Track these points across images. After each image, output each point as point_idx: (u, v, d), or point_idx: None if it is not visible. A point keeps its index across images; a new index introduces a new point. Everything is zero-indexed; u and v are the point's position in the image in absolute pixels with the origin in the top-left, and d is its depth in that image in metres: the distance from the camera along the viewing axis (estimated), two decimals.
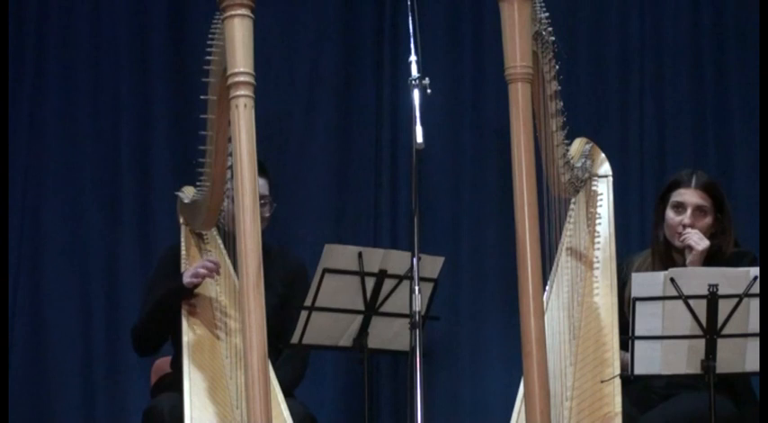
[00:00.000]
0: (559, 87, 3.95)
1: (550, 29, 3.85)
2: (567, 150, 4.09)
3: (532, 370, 3.52)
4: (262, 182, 4.34)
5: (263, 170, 4.39)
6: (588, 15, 5.33)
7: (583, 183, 4.24)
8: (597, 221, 4.24)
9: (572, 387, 3.98)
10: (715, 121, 5.27)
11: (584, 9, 5.34)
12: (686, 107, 5.29)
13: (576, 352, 4.03)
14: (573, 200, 4.26)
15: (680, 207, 4.27)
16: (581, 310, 4.10)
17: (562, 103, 3.98)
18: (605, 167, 4.32)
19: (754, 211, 5.01)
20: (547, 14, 3.82)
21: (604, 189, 4.30)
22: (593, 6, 5.35)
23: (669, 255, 4.31)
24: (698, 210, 4.26)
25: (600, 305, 4.08)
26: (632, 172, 5.22)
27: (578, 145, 4.29)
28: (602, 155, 4.34)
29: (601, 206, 4.27)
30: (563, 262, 4.19)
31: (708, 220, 4.27)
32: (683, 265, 4.23)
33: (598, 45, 5.33)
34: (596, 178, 4.30)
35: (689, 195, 4.27)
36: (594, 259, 4.17)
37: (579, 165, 4.21)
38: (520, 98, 3.60)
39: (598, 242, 4.20)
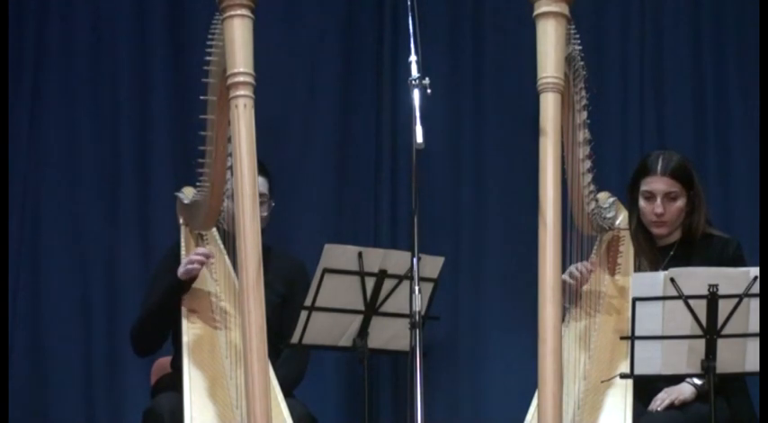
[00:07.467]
0: (588, 120, 3.91)
1: (582, 63, 3.81)
2: (592, 179, 4.07)
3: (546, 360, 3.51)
4: (261, 181, 4.33)
5: (262, 169, 4.39)
6: (588, 15, 5.33)
7: (606, 225, 4.26)
8: (617, 269, 4.31)
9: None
10: (715, 121, 5.27)
11: (585, 8, 5.34)
12: (686, 108, 5.29)
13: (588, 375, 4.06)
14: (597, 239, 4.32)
15: (650, 197, 4.32)
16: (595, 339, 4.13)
17: (589, 134, 3.96)
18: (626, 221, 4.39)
19: (753, 211, 5.01)
20: (580, 48, 3.77)
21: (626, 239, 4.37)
22: (594, 4, 5.35)
23: (648, 235, 4.36)
24: (666, 196, 4.31)
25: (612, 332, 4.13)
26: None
27: (601, 196, 4.29)
28: (625, 211, 4.39)
29: (621, 255, 4.33)
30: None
31: (679, 203, 4.32)
32: (661, 243, 4.34)
33: (598, 47, 5.32)
34: (619, 230, 4.36)
35: (656, 183, 4.31)
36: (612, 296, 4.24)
37: (605, 206, 4.25)
38: (550, 108, 3.57)
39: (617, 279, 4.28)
